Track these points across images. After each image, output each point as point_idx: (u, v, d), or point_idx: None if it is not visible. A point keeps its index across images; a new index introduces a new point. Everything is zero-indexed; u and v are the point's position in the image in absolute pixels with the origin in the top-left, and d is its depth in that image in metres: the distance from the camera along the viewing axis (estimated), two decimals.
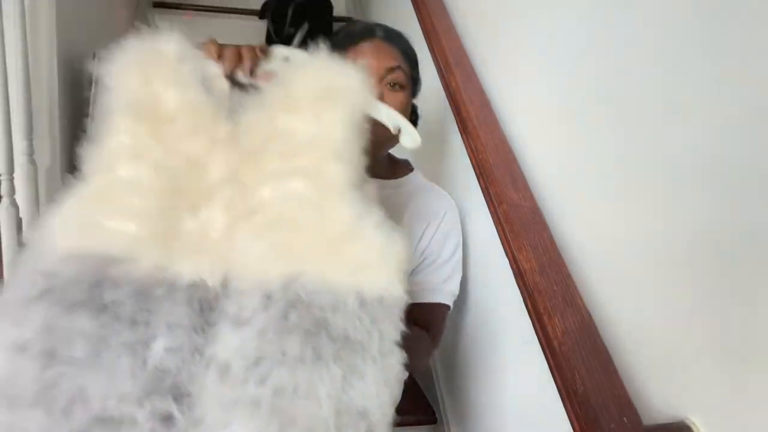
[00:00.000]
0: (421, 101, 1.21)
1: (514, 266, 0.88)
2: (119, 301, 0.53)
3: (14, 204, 1.25)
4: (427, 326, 0.95)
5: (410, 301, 0.91)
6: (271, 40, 2.66)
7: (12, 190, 1.25)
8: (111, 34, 2.08)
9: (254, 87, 0.67)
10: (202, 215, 0.59)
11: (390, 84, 0.92)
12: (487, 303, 1.08)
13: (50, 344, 0.52)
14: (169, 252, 0.56)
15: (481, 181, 1.02)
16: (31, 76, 1.33)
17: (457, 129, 1.15)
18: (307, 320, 0.55)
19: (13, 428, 0.50)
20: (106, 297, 0.53)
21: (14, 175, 1.27)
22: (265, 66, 0.68)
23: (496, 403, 1.03)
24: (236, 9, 2.82)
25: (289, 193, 0.60)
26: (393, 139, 1.02)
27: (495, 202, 0.95)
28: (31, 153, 1.34)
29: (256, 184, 0.61)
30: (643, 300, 0.72)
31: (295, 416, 0.53)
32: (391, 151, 1.15)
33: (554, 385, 0.75)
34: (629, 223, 0.75)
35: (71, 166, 1.60)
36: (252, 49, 0.68)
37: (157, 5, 2.69)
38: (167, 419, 0.52)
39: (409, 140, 0.71)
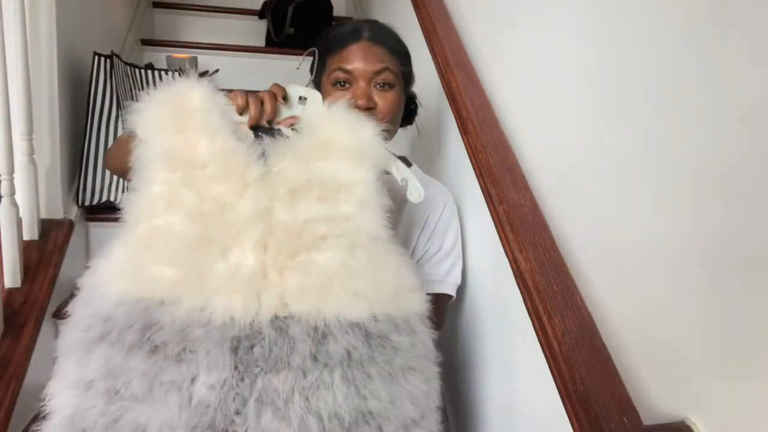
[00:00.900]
0: (421, 101, 1.21)
1: (514, 266, 0.88)
2: (166, 342, 0.58)
3: (14, 204, 1.25)
4: (431, 316, 0.98)
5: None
6: (271, 40, 2.67)
7: (12, 190, 1.25)
8: (111, 34, 2.08)
9: (279, 133, 0.72)
10: (233, 254, 0.62)
11: (379, 85, 0.97)
12: (487, 303, 1.08)
13: (112, 382, 0.58)
14: (205, 293, 0.60)
15: (481, 181, 1.02)
16: (31, 76, 1.33)
17: (457, 129, 1.15)
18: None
19: None
20: (155, 339, 0.58)
21: (14, 175, 1.27)
22: (285, 110, 0.74)
23: (496, 403, 1.03)
24: (236, 9, 2.83)
25: (331, 238, 0.65)
26: (394, 132, 1.04)
27: (495, 202, 0.95)
28: (31, 153, 1.35)
29: (294, 224, 0.65)
30: (643, 300, 0.72)
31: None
32: (391, 151, 1.16)
33: (554, 385, 0.75)
34: (629, 223, 0.75)
35: (71, 166, 1.60)
36: (272, 96, 0.73)
37: (157, 5, 2.69)
38: None
39: (415, 195, 0.77)
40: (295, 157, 0.67)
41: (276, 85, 0.76)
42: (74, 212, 1.57)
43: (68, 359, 0.62)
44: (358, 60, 0.96)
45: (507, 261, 0.90)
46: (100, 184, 1.63)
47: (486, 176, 0.99)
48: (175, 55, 2.35)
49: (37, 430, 0.60)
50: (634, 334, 0.74)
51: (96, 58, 1.64)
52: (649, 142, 0.72)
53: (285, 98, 0.75)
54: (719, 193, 0.61)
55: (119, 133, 1.66)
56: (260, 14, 2.77)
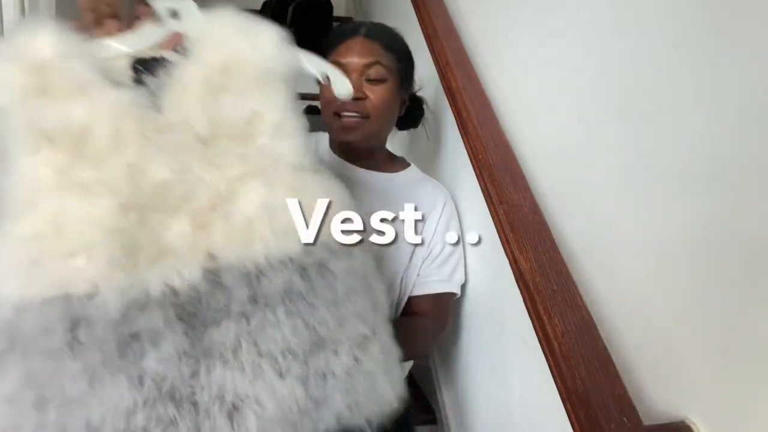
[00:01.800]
0: (429, 106, 1.21)
1: (514, 266, 0.88)
2: (101, 338, 0.52)
3: None
4: (437, 314, 1.03)
5: (420, 293, 0.96)
6: None
7: None
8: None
9: (162, 62, 0.61)
10: (153, 222, 0.56)
11: (370, 78, 0.98)
12: (487, 303, 1.08)
13: (39, 391, 0.50)
14: (135, 271, 0.54)
15: (481, 181, 1.02)
16: None
17: (457, 129, 1.15)
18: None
19: None
20: (86, 337, 0.51)
21: None
22: (156, 30, 0.63)
23: (496, 404, 1.03)
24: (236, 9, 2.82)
25: (251, 190, 0.59)
26: (388, 129, 1.03)
27: (495, 202, 0.95)
28: None
29: (209, 176, 0.58)
30: (643, 300, 0.72)
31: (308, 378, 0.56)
32: (390, 149, 1.17)
33: (554, 385, 0.75)
34: (629, 223, 0.75)
35: None
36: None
37: None
38: (172, 423, 0.53)
39: (341, 88, 0.69)
40: (193, 95, 0.59)
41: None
42: None
43: None
44: (351, 54, 0.99)
45: (507, 261, 0.90)
46: None
47: (486, 176, 0.99)
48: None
49: None
50: (634, 334, 0.74)
51: None
52: (649, 142, 0.72)
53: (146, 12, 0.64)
54: (719, 193, 0.61)
55: None
56: (260, 14, 2.77)
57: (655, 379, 0.70)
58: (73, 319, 0.51)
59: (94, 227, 0.53)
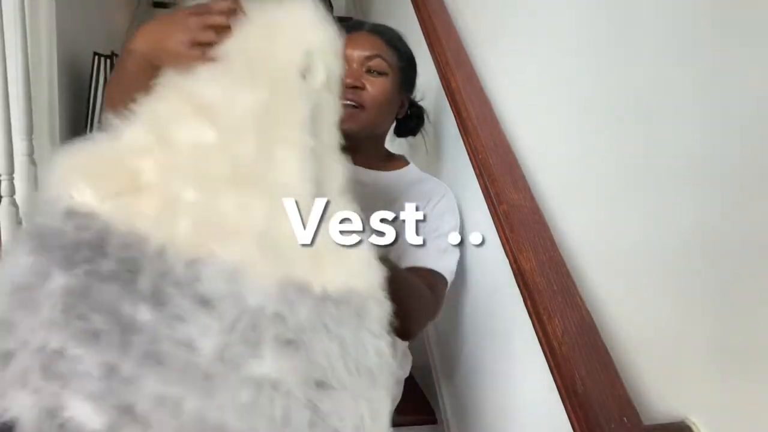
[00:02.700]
0: (429, 117, 1.21)
1: (514, 266, 0.88)
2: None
3: (14, 204, 1.25)
4: (428, 285, 0.95)
5: (408, 265, 0.90)
6: None
7: (12, 190, 1.25)
8: (111, 34, 2.08)
9: None
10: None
11: (371, 70, 0.99)
12: (487, 303, 1.08)
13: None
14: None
15: (481, 181, 1.02)
16: (31, 76, 1.33)
17: (457, 129, 1.15)
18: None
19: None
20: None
21: (14, 175, 1.27)
22: None
23: (496, 403, 1.03)
24: None
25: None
26: (385, 125, 1.03)
27: (495, 202, 0.95)
28: (31, 153, 1.34)
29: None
30: (643, 300, 0.72)
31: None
32: (387, 147, 1.17)
33: (554, 385, 0.75)
34: (629, 223, 0.75)
35: None
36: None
37: (157, 5, 2.69)
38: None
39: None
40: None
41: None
42: None
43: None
44: (353, 45, 1.00)
45: (507, 261, 0.90)
46: None
47: (486, 176, 0.99)
48: None
49: None
50: (634, 334, 0.74)
51: (96, 58, 1.64)
52: (649, 142, 0.72)
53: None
54: (719, 193, 0.61)
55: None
56: None
57: (655, 379, 0.70)
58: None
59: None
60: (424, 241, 0.98)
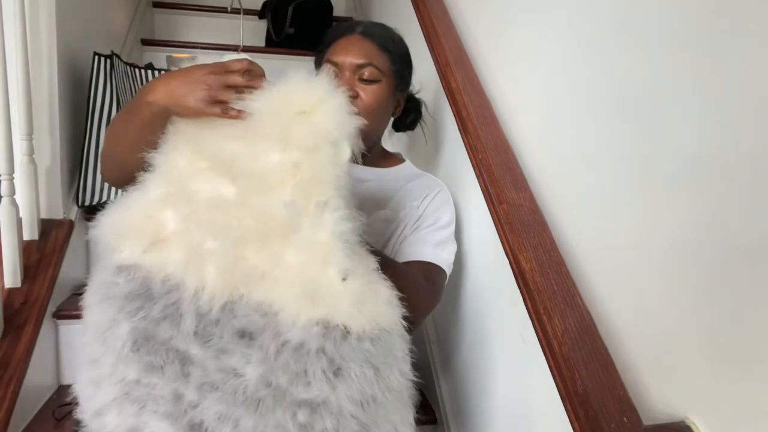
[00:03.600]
0: (429, 110, 1.21)
1: (514, 266, 0.88)
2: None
3: (14, 204, 1.25)
4: (427, 277, 0.97)
5: (408, 258, 0.96)
6: (271, 40, 2.66)
7: (12, 190, 1.25)
8: (111, 34, 2.08)
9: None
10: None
11: (363, 78, 0.99)
12: (487, 303, 1.08)
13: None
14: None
15: (481, 181, 1.02)
16: (31, 76, 1.33)
17: (457, 129, 1.15)
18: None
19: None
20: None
21: (14, 175, 1.27)
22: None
23: (496, 403, 1.03)
24: (236, 9, 2.82)
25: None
26: (380, 129, 1.04)
27: (495, 202, 0.95)
28: (31, 153, 1.34)
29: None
30: (642, 300, 0.72)
31: None
32: (390, 148, 1.17)
33: (554, 385, 0.75)
34: (629, 223, 0.75)
35: (71, 166, 1.60)
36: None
37: (157, 5, 2.69)
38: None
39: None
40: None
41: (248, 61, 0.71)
42: (74, 212, 1.57)
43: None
44: (344, 52, 1.00)
45: (507, 261, 0.90)
46: (100, 184, 1.62)
47: (486, 176, 0.99)
48: (175, 55, 2.35)
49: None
50: (634, 333, 0.74)
51: (96, 58, 1.64)
52: (649, 141, 0.72)
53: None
54: (719, 193, 0.61)
55: (114, 117, 1.65)
56: (260, 14, 2.77)
57: (655, 379, 0.70)
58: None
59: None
60: (423, 236, 1.00)
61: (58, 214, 1.48)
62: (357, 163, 0.68)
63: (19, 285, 1.26)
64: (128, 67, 1.81)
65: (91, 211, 1.65)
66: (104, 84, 1.65)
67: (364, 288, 0.65)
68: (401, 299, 0.68)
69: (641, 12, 0.74)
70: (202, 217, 0.65)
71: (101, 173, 0.85)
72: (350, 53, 0.99)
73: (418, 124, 1.20)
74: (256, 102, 0.65)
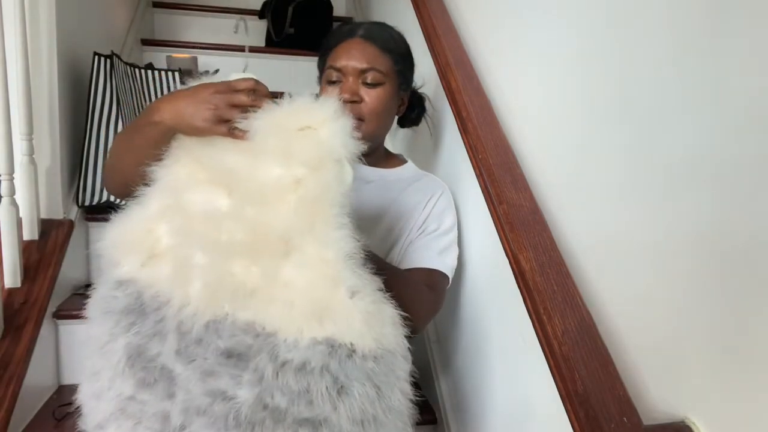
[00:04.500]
0: (432, 104, 1.21)
1: (514, 266, 0.88)
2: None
3: (14, 204, 1.25)
4: (430, 285, 0.99)
5: (411, 266, 0.97)
6: (271, 40, 2.66)
7: (12, 190, 1.25)
8: (111, 34, 2.08)
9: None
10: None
11: (366, 83, 1.00)
12: (487, 303, 1.08)
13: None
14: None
15: (481, 181, 1.02)
16: (31, 76, 1.33)
17: (457, 129, 1.15)
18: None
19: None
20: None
21: (14, 175, 1.27)
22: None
23: (496, 403, 1.03)
24: (236, 9, 2.83)
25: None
26: (385, 130, 1.05)
27: (495, 202, 0.95)
28: (31, 153, 1.34)
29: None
30: (643, 300, 0.72)
31: None
32: (391, 148, 1.18)
33: (554, 385, 0.75)
34: (629, 223, 0.75)
35: (71, 166, 1.60)
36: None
37: (157, 5, 2.69)
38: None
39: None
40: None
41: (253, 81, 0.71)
42: (74, 212, 1.57)
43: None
44: (346, 57, 1.00)
45: (507, 261, 0.90)
46: (100, 184, 1.62)
47: (486, 176, 0.99)
48: (175, 55, 2.35)
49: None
50: (634, 334, 0.74)
51: (96, 58, 1.64)
52: (649, 141, 0.72)
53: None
54: (719, 192, 0.61)
55: (119, 132, 1.66)
56: (260, 14, 2.77)
57: (655, 379, 0.70)
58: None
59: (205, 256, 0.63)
60: (426, 242, 1.01)
61: (58, 214, 1.48)
62: (363, 164, 0.69)
63: (19, 285, 1.26)
64: (128, 67, 1.81)
65: (91, 211, 1.65)
66: (104, 84, 1.65)
67: (370, 307, 0.65)
68: (403, 307, 0.68)
69: (641, 12, 0.74)
70: (194, 229, 0.64)
71: (105, 186, 0.85)
72: (352, 58, 0.99)
73: (423, 119, 1.21)
74: (261, 119, 0.66)
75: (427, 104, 1.20)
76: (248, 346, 0.61)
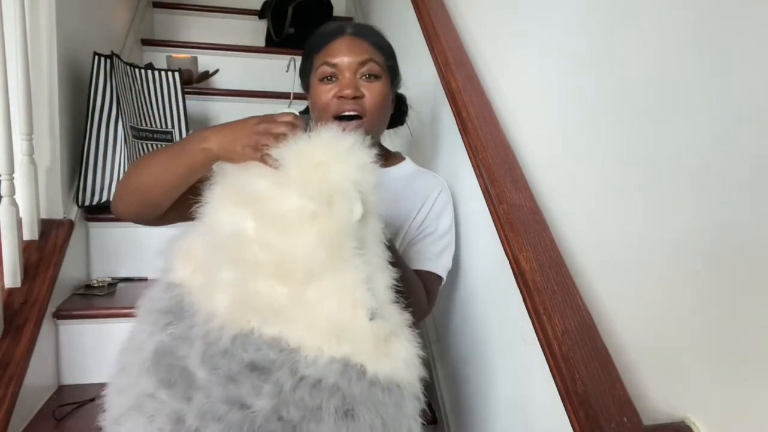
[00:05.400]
0: (420, 101, 1.21)
1: (514, 266, 0.88)
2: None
3: (14, 204, 1.25)
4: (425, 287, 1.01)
5: (410, 266, 0.97)
6: (271, 40, 2.67)
7: (12, 190, 1.25)
8: (111, 34, 2.08)
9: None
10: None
11: (365, 75, 0.99)
12: (487, 303, 1.08)
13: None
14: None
15: (481, 181, 1.02)
16: (31, 76, 1.33)
17: (457, 129, 1.15)
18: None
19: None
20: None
21: (14, 175, 1.27)
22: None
23: (496, 403, 1.03)
24: (236, 9, 2.83)
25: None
26: (384, 126, 1.07)
27: (495, 202, 0.95)
28: (31, 153, 1.35)
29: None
30: (643, 300, 0.72)
31: None
32: (384, 146, 1.17)
33: (554, 385, 0.75)
34: (629, 223, 0.75)
35: (71, 166, 1.60)
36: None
37: (157, 5, 2.69)
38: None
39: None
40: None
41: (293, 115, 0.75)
42: (74, 212, 1.57)
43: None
44: (342, 53, 0.98)
45: (507, 261, 0.90)
46: (100, 184, 1.63)
47: (486, 176, 0.99)
48: (175, 55, 2.35)
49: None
50: (634, 334, 0.74)
51: (96, 58, 1.64)
52: (649, 142, 0.72)
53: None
54: (719, 193, 0.61)
55: (119, 133, 1.66)
56: (260, 14, 2.77)
57: (655, 379, 0.70)
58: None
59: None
60: (424, 246, 1.02)
61: (58, 214, 1.48)
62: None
63: (19, 285, 1.26)
64: (128, 67, 1.81)
65: (91, 211, 1.65)
66: (104, 84, 1.66)
67: (389, 335, 0.66)
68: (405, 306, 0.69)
69: (643, 12, 0.74)
70: (222, 247, 0.67)
71: (117, 205, 0.85)
72: (348, 53, 0.98)
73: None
74: (286, 149, 0.69)
75: (408, 103, 1.19)
76: (271, 360, 0.62)
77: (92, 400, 1.31)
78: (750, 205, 0.58)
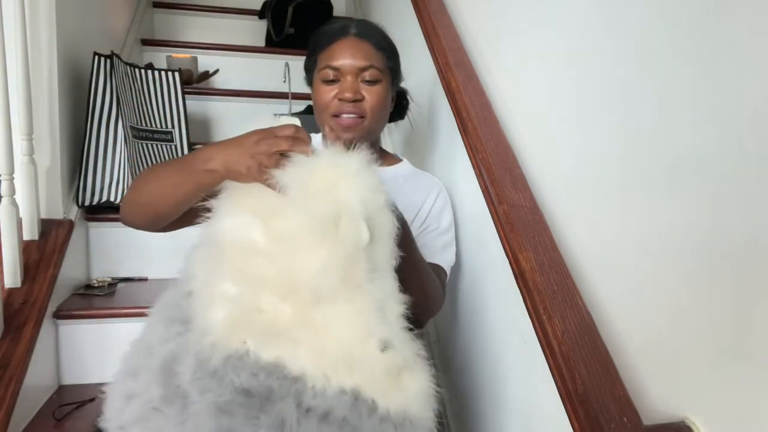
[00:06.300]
0: (420, 101, 1.21)
1: (514, 266, 0.88)
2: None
3: (14, 204, 1.25)
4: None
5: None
6: (271, 40, 2.67)
7: (12, 190, 1.25)
8: (111, 34, 2.08)
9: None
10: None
11: (365, 80, 1.00)
12: (487, 303, 1.08)
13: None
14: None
15: (481, 181, 1.02)
16: (31, 76, 1.33)
17: (457, 129, 1.15)
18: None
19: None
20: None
21: (14, 175, 1.27)
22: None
23: (496, 404, 1.03)
24: (236, 9, 2.83)
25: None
26: (382, 126, 1.07)
27: (495, 202, 0.95)
28: (31, 153, 1.35)
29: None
30: (643, 300, 0.72)
31: None
32: (381, 147, 1.17)
33: (554, 385, 0.75)
34: (630, 223, 0.75)
35: (71, 166, 1.60)
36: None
37: (157, 5, 2.69)
38: None
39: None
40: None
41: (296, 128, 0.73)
42: (74, 212, 1.57)
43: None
44: (344, 56, 1.00)
45: (507, 261, 0.90)
46: (100, 184, 1.63)
47: (486, 176, 0.99)
48: (175, 55, 2.35)
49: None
50: (634, 334, 0.74)
51: (96, 58, 1.64)
52: (649, 141, 0.72)
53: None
54: (718, 193, 0.61)
55: (119, 133, 1.66)
56: (260, 14, 2.77)
57: (655, 379, 0.70)
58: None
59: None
60: (427, 240, 1.02)
61: (58, 214, 1.48)
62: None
63: (19, 285, 1.26)
64: (128, 67, 1.81)
65: (91, 211, 1.65)
66: (104, 84, 1.65)
67: (402, 368, 0.63)
68: (423, 297, 0.68)
69: (641, 13, 0.74)
70: (225, 258, 0.65)
71: (126, 218, 0.84)
72: (350, 57, 0.99)
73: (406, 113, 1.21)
74: (289, 174, 0.67)
75: (408, 97, 1.20)
76: (269, 388, 0.59)
77: (92, 400, 1.31)
78: (750, 205, 0.58)
